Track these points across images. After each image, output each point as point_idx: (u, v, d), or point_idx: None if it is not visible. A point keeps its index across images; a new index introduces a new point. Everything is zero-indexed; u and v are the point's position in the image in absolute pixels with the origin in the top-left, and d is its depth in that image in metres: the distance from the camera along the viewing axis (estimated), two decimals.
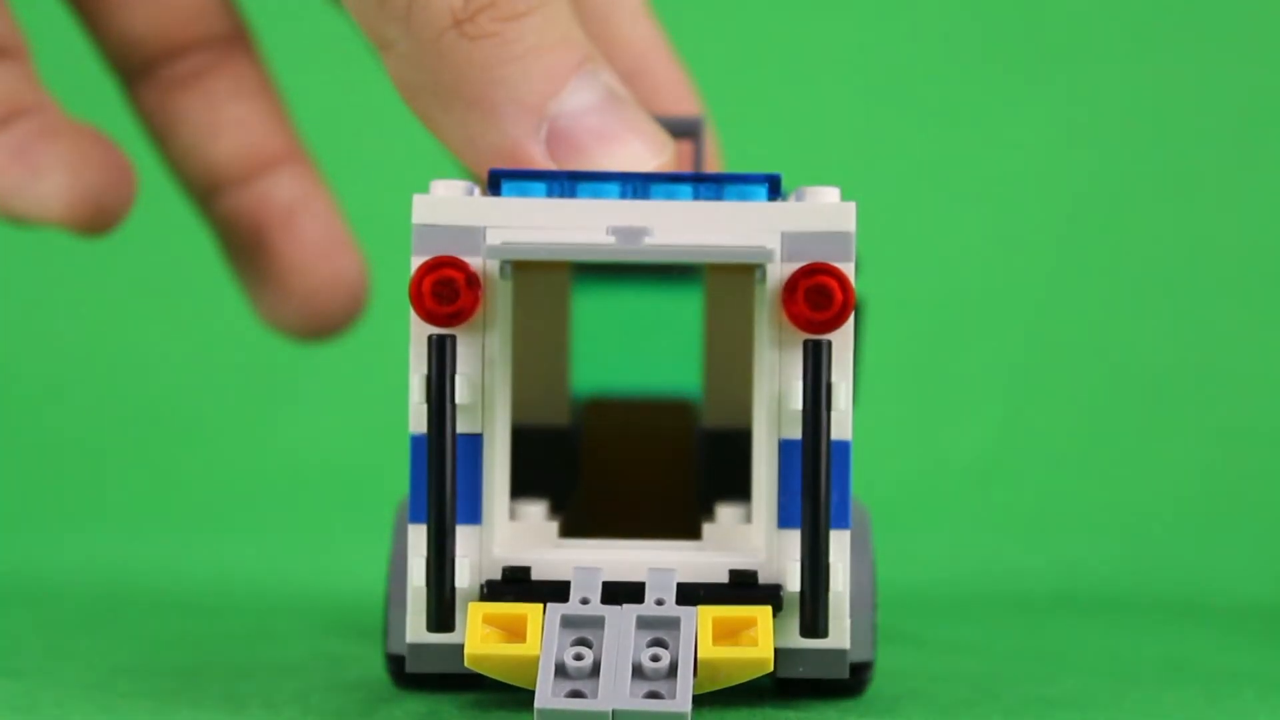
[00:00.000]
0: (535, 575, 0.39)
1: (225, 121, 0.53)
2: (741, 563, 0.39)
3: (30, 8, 0.54)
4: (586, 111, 0.39)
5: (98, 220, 0.49)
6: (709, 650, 0.37)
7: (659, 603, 0.38)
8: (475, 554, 0.38)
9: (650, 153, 0.40)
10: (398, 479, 0.39)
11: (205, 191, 0.54)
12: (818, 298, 0.38)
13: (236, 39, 0.54)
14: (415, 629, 0.38)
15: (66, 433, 0.89)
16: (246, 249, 0.54)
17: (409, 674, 0.40)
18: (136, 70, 0.54)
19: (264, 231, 0.53)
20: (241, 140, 0.53)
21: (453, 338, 0.38)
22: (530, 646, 0.37)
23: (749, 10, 0.88)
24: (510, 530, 0.40)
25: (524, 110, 0.39)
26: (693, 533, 0.40)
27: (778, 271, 0.38)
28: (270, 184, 0.53)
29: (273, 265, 0.53)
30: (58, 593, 0.66)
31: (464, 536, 0.38)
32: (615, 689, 0.36)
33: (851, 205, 0.39)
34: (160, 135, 0.54)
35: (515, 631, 0.37)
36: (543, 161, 0.39)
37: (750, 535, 0.39)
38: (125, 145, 0.51)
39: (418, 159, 0.42)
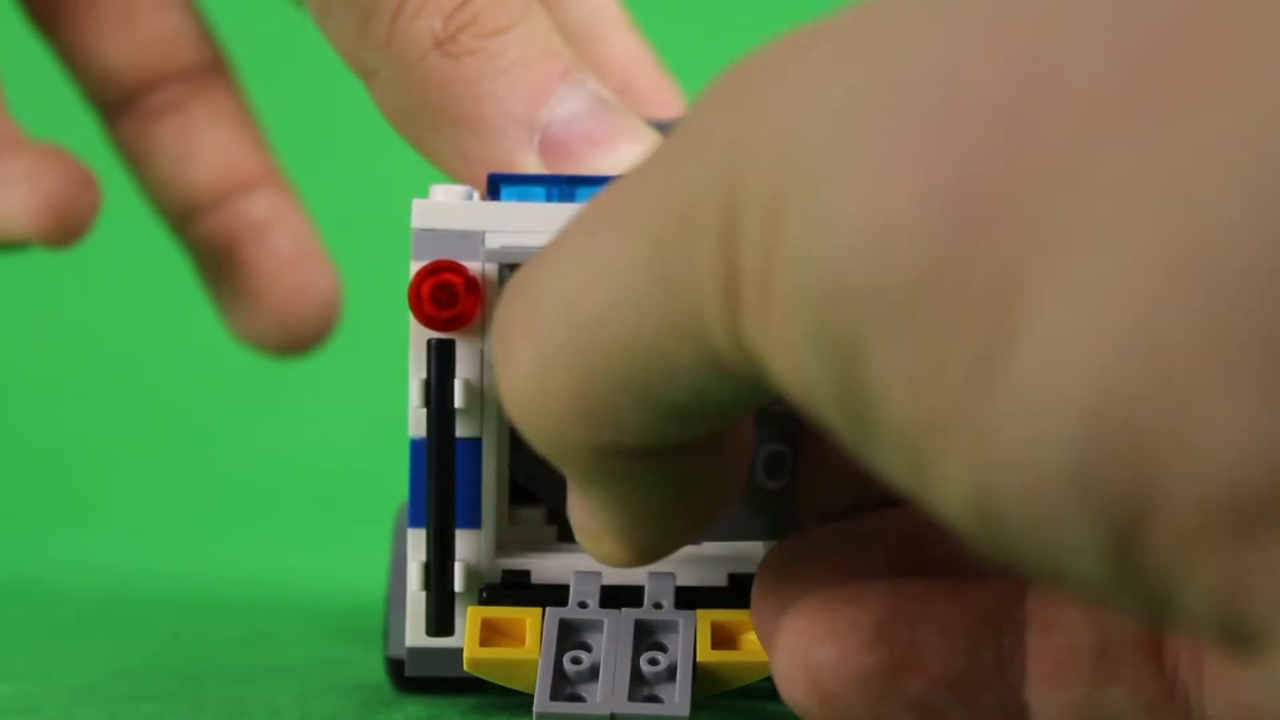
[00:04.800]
0: (534, 579, 0.39)
1: (200, 147, 0.54)
2: (741, 566, 0.39)
3: (9, 43, 0.55)
4: (577, 118, 0.40)
5: (63, 230, 0.50)
6: (708, 654, 0.37)
7: (657, 606, 0.38)
8: (474, 558, 0.39)
9: (644, 154, 0.40)
10: (399, 483, 0.39)
11: (181, 216, 0.54)
12: None
13: (212, 68, 0.55)
14: (414, 633, 0.38)
15: (66, 433, 0.89)
16: (219, 264, 0.54)
17: (408, 678, 0.40)
18: (114, 103, 0.54)
19: (235, 245, 0.54)
20: (216, 164, 0.54)
21: (452, 342, 0.38)
22: (529, 650, 0.37)
23: (747, 15, 0.88)
24: (509, 534, 0.40)
25: (514, 122, 0.39)
26: None
27: None
28: (244, 204, 0.54)
29: (243, 277, 0.54)
30: (57, 594, 0.67)
31: (463, 540, 0.38)
32: (614, 693, 0.36)
33: None
34: (137, 164, 0.55)
35: (514, 635, 0.37)
36: (537, 172, 0.40)
37: None
38: (104, 170, 0.52)
39: (417, 164, 0.42)
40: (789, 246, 0.24)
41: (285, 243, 0.54)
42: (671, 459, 0.30)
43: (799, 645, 0.33)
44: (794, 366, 0.25)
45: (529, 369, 0.29)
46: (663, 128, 0.43)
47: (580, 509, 0.33)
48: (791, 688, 0.33)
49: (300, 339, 0.55)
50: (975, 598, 0.33)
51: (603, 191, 0.29)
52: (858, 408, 0.24)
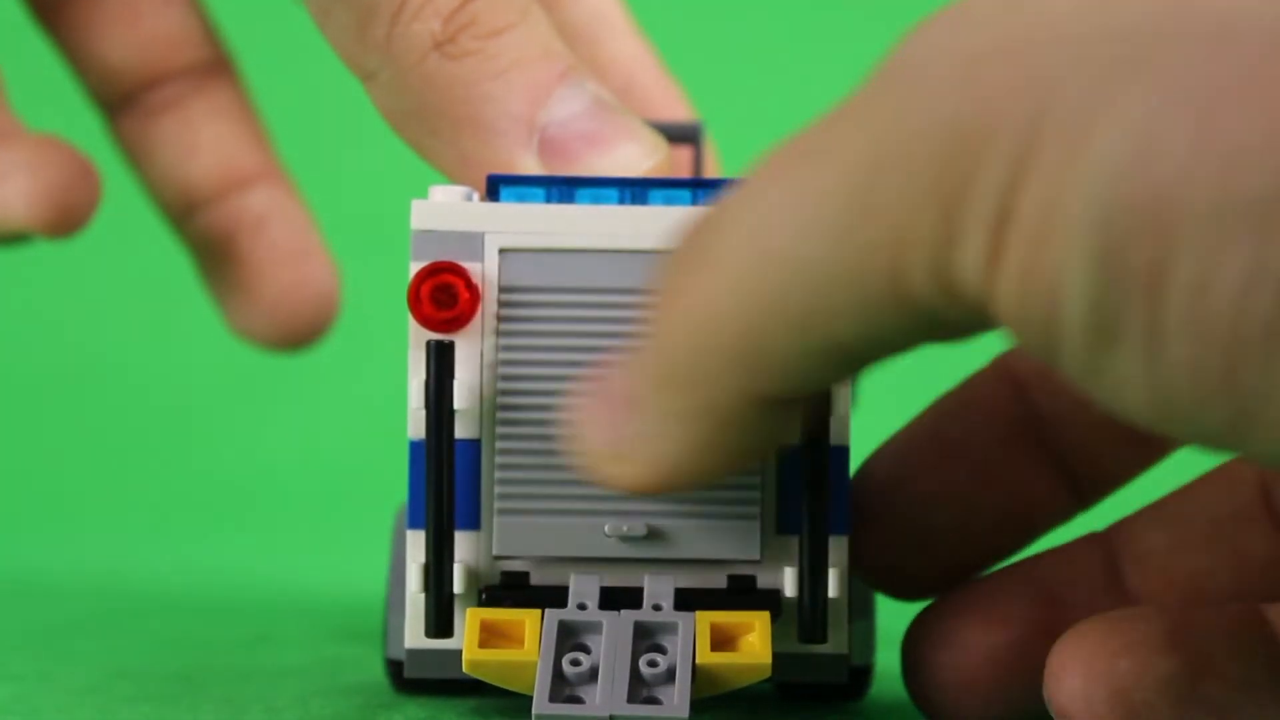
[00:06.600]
0: (533, 581, 0.39)
1: (200, 143, 0.54)
2: (740, 568, 0.39)
3: (11, 39, 0.55)
4: (576, 118, 0.40)
5: (63, 221, 0.50)
6: (707, 656, 0.37)
7: (656, 608, 0.38)
8: (473, 559, 0.39)
9: (643, 154, 0.40)
10: (399, 483, 0.39)
11: (181, 212, 0.54)
12: None
13: (215, 66, 0.55)
14: (414, 634, 0.38)
15: (66, 434, 0.89)
16: (217, 258, 0.54)
17: (408, 679, 0.40)
18: (116, 101, 0.54)
19: (234, 239, 0.54)
20: (216, 160, 0.54)
21: (451, 344, 0.38)
22: (528, 652, 0.37)
23: (747, 16, 0.88)
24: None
25: (513, 123, 0.39)
26: None
27: None
28: (242, 199, 0.54)
29: (240, 270, 0.54)
30: (57, 595, 0.67)
31: (462, 542, 0.38)
32: (613, 694, 0.36)
33: None
34: (138, 160, 0.55)
35: (513, 637, 0.37)
36: (537, 172, 0.39)
37: None
38: (104, 168, 0.52)
39: (417, 165, 0.42)
40: (1081, 178, 0.26)
41: (283, 237, 0.54)
42: (794, 408, 0.32)
43: (1096, 663, 0.34)
44: (1031, 295, 0.27)
45: (699, 305, 0.30)
46: (671, 130, 0.43)
47: (628, 435, 0.33)
48: (1093, 705, 0.34)
49: (297, 333, 0.55)
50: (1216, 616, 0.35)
51: (792, 138, 0.30)
52: (1121, 323, 0.26)
